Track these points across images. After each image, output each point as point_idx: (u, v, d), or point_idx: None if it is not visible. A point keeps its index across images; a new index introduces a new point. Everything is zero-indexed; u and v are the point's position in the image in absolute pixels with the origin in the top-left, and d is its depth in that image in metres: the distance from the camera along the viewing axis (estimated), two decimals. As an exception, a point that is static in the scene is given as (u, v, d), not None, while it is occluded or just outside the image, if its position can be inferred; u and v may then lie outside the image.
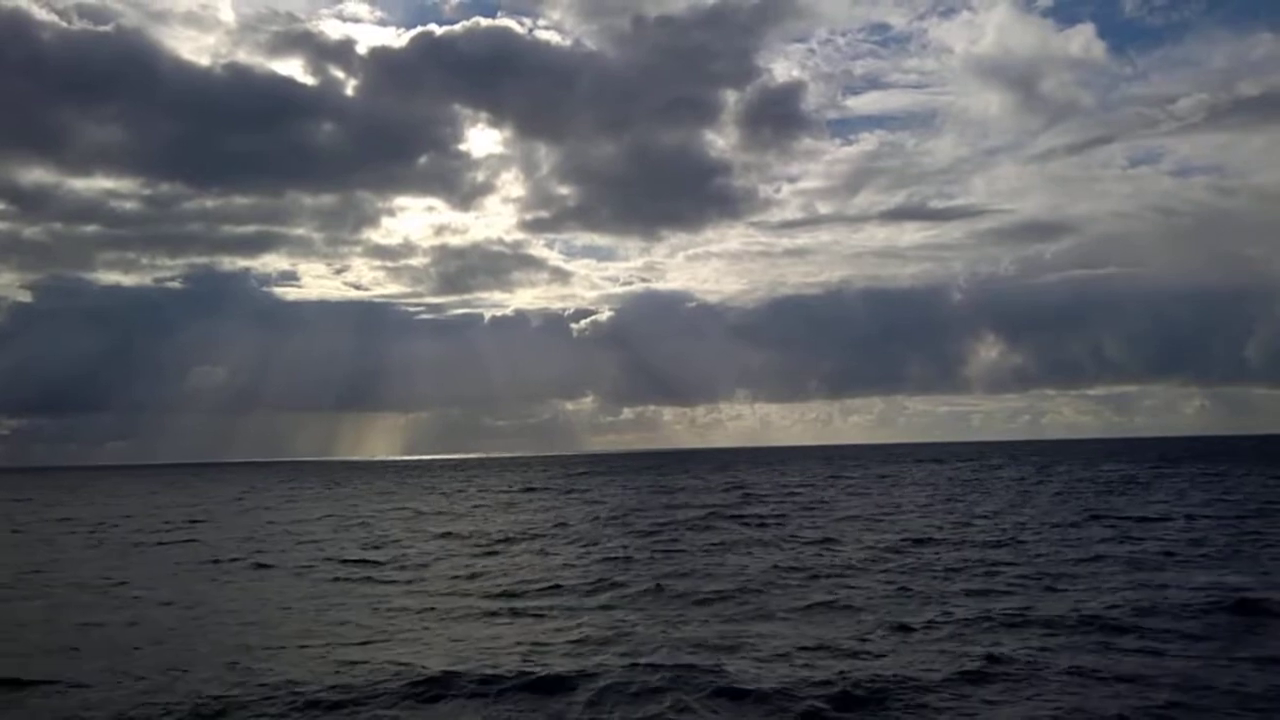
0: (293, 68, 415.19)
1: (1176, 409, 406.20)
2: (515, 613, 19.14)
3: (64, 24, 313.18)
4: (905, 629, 16.20)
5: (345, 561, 29.11)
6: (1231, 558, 23.49)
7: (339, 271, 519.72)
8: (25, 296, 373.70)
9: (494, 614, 19.05)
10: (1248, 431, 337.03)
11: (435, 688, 13.33)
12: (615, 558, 26.93)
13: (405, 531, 38.95)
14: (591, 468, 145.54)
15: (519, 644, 15.99)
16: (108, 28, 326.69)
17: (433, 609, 19.83)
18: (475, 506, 55.56)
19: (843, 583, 21.31)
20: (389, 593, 22.39)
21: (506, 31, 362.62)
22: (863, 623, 16.94)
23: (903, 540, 28.76)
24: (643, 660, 14.38)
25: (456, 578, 24.53)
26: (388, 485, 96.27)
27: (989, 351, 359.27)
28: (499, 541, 33.84)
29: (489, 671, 13.96)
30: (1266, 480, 56.06)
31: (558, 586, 22.17)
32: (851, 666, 13.90)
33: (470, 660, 14.80)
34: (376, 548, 33.17)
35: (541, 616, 18.64)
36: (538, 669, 14.09)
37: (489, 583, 23.44)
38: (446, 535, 36.69)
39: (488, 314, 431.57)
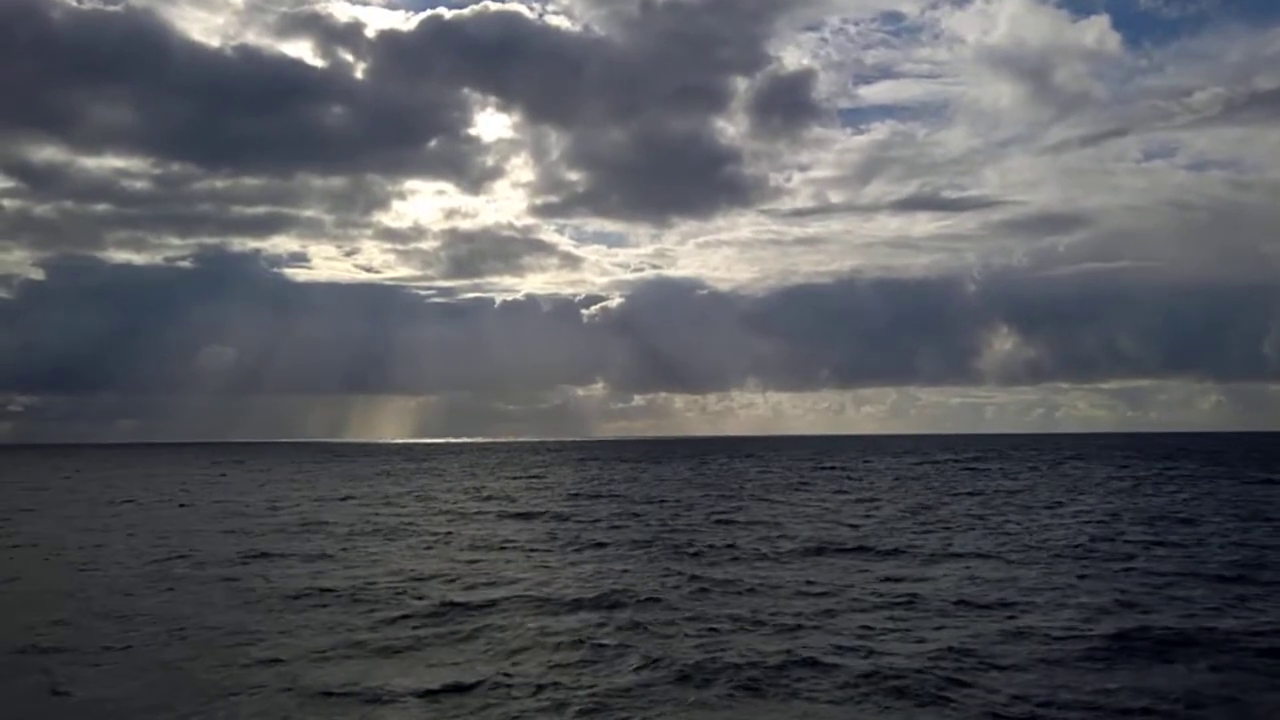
0: (302, 50, 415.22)
1: (1192, 404, 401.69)
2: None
3: (74, 3, 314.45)
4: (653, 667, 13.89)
5: (153, 561, 26.01)
6: (1048, 576, 21.23)
7: (349, 254, 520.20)
8: (38, 274, 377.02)
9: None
10: (1263, 428, 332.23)
11: None
12: (430, 567, 24.99)
13: (302, 520, 37.32)
14: (577, 454, 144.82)
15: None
16: (117, 7, 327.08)
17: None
18: (406, 493, 54.39)
19: (641, 596, 19.51)
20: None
21: (516, 16, 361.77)
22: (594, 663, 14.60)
23: (780, 549, 26.51)
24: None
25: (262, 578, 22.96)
26: (360, 469, 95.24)
27: (1002, 344, 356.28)
28: (365, 534, 32.31)
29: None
30: (1233, 483, 53.93)
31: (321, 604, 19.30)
32: None
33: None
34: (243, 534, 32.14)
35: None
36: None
37: (281, 588, 21.12)
38: (328, 526, 35.26)
39: (498, 298, 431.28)
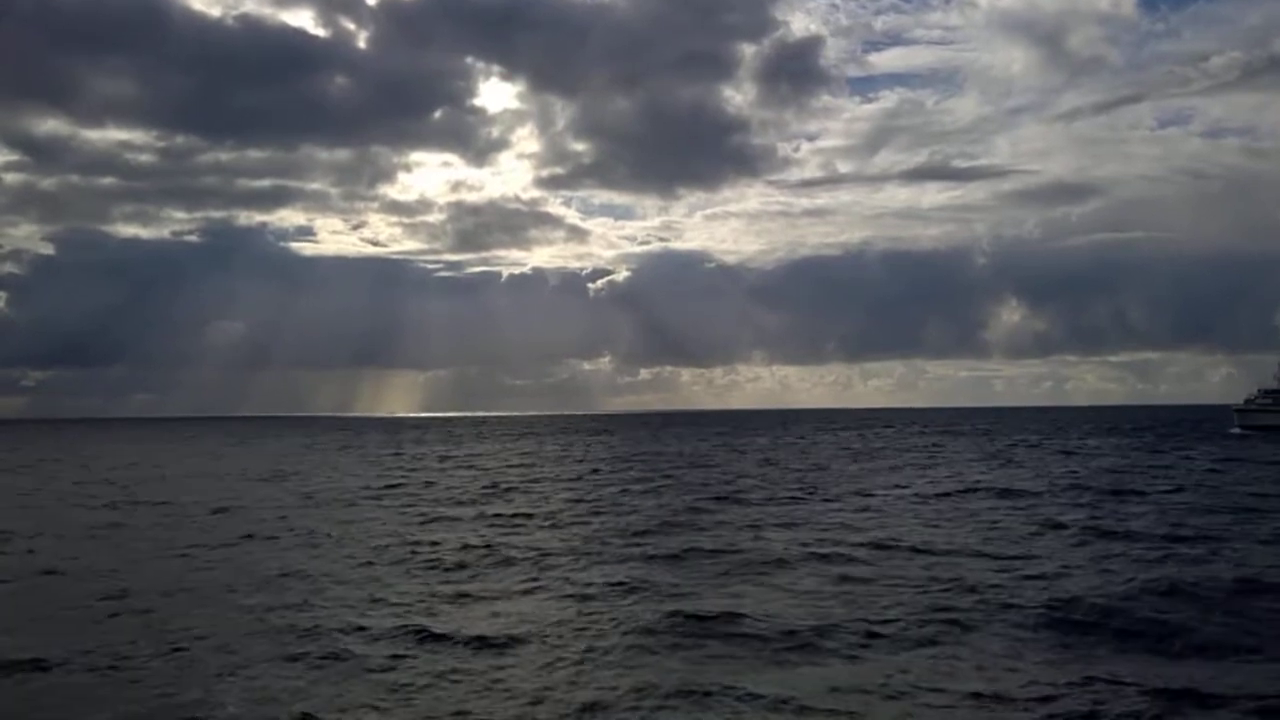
0: (303, 19, 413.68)
1: (1202, 377, 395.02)
2: None
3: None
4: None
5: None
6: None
7: (356, 227, 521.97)
8: (47, 249, 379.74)
9: None
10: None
11: None
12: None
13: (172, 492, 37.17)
14: (556, 428, 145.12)
15: None
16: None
17: None
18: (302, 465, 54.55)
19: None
20: None
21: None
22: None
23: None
24: None
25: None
26: (309, 441, 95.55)
27: (1011, 316, 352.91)
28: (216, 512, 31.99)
29: None
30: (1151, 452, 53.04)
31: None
32: None
33: None
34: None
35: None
36: None
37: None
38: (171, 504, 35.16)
39: (505, 272, 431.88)
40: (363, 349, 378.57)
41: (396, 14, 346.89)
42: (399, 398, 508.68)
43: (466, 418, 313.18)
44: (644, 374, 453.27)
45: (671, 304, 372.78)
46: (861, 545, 20.78)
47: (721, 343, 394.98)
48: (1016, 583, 16.06)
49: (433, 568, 19.22)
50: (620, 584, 17.05)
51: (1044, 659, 11.82)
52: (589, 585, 17.03)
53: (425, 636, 13.48)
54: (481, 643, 13.03)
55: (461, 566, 19.37)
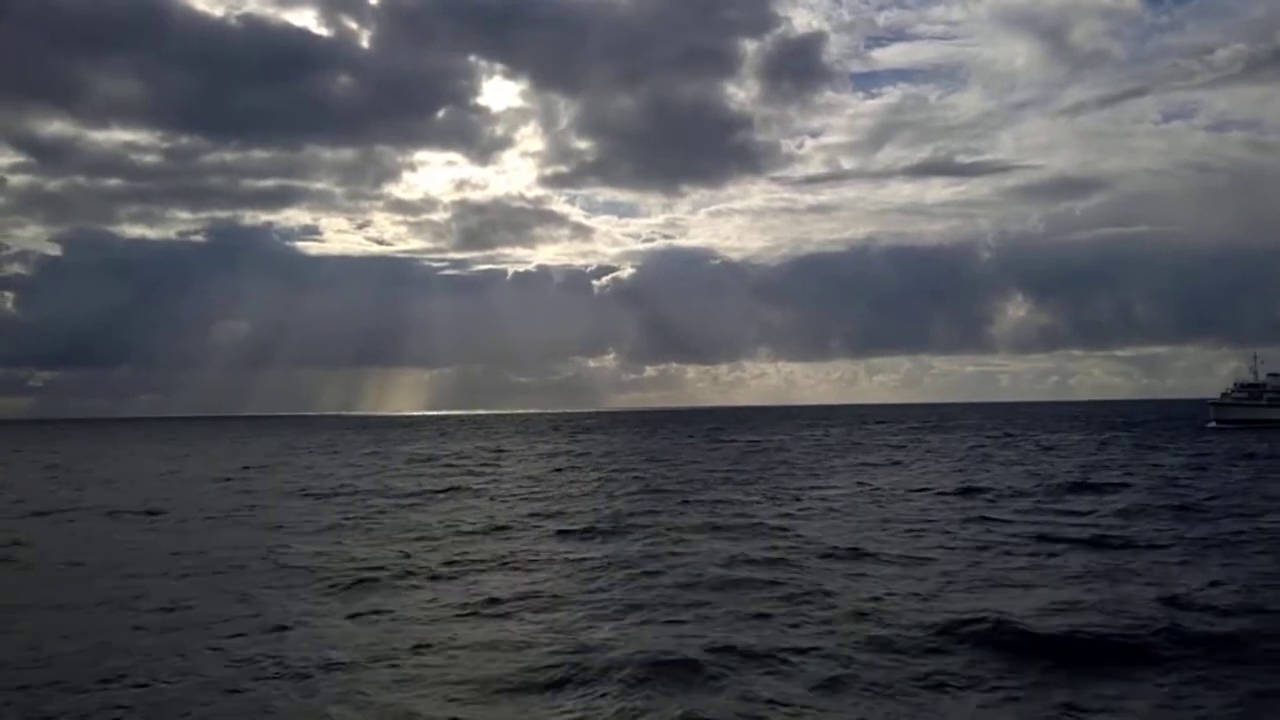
0: (306, 18, 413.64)
1: (1210, 371, 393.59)
2: None
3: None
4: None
5: None
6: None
7: (361, 226, 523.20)
8: (54, 250, 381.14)
9: None
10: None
11: None
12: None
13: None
14: (550, 425, 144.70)
15: None
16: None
17: None
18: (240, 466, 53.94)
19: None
20: None
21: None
22: None
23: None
24: None
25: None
26: (302, 441, 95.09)
27: (1016, 311, 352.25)
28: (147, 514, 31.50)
29: None
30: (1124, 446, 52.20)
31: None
32: None
33: None
34: None
35: None
36: None
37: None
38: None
39: (510, 270, 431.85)
40: (368, 348, 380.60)
41: (399, 13, 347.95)
42: (404, 396, 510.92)
43: (469, 416, 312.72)
44: (649, 371, 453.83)
45: (676, 301, 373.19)
46: (780, 547, 20.03)
47: (726, 339, 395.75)
48: (902, 599, 14.91)
49: (329, 580, 18.29)
50: (522, 597, 16.14)
51: (886, 693, 10.65)
52: (479, 602, 16.07)
53: (265, 660, 12.62)
54: (321, 668, 12.14)
55: (359, 580, 18.42)
